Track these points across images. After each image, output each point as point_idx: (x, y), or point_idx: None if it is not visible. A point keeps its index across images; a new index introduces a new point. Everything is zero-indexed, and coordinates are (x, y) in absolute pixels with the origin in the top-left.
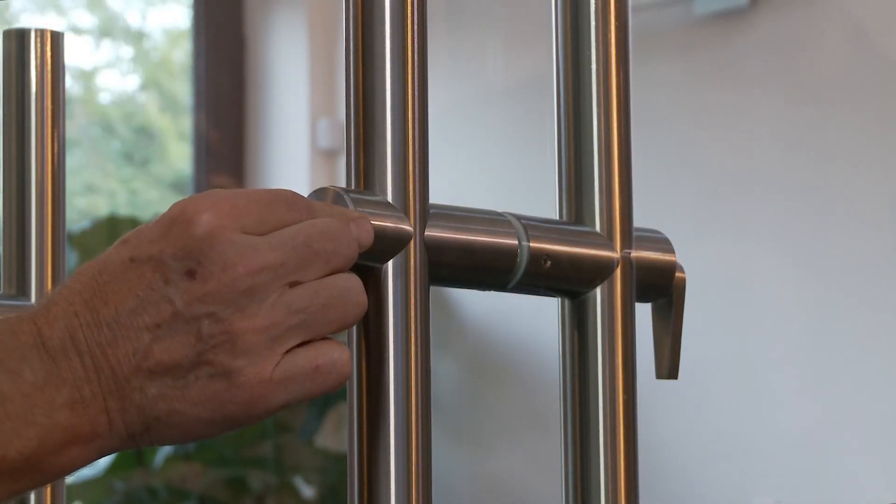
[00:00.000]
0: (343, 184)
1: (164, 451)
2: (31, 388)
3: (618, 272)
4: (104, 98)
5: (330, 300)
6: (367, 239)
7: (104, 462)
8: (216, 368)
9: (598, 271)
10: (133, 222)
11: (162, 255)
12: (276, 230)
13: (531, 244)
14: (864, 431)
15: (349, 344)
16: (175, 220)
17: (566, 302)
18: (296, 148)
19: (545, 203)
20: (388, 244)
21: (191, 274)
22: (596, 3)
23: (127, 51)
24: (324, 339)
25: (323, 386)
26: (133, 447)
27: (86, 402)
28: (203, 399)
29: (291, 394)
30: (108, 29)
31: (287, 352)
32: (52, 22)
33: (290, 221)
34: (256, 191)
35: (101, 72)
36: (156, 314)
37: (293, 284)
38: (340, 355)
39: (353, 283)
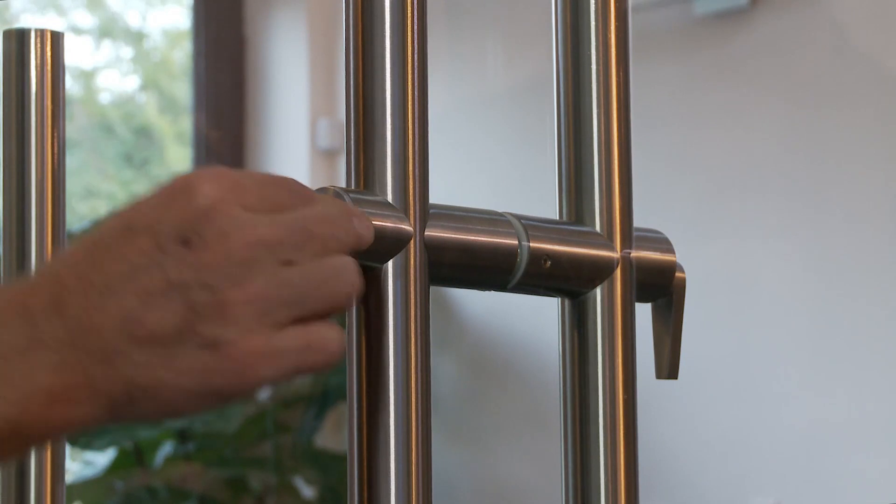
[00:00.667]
0: (343, 184)
1: (164, 450)
2: (11, 351)
3: (618, 272)
4: (104, 98)
5: (323, 279)
6: (369, 235)
7: (104, 462)
8: (205, 339)
9: (598, 271)
10: None
11: (160, 224)
12: (275, 211)
13: (531, 244)
14: (864, 431)
15: (349, 344)
16: (176, 192)
17: (566, 302)
18: (296, 148)
19: (545, 203)
20: (388, 244)
21: (186, 242)
22: (596, 3)
23: (127, 51)
24: (318, 318)
25: (313, 363)
26: (115, 420)
27: (68, 366)
28: (190, 369)
29: (280, 369)
30: (108, 29)
31: (279, 327)
32: (52, 22)
33: (290, 205)
34: (260, 173)
35: (101, 72)
36: (147, 281)
37: (288, 264)
38: (333, 335)
39: (348, 263)
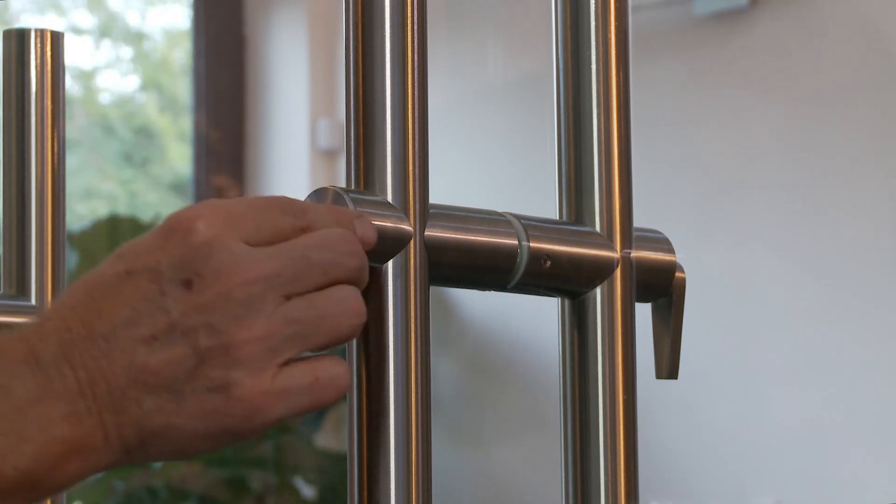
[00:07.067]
0: (343, 184)
1: None
2: (24, 402)
3: (618, 272)
4: (104, 98)
5: (325, 311)
6: (372, 237)
7: None
8: (213, 381)
9: (598, 271)
10: (133, 222)
11: (159, 266)
12: (273, 237)
13: (531, 244)
14: (864, 431)
15: (349, 344)
16: (173, 230)
17: (566, 302)
18: (296, 148)
19: (545, 203)
20: (388, 244)
21: (187, 284)
22: (596, 3)
23: (127, 51)
24: (323, 354)
25: (321, 400)
26: (128, 462)
27: (81, 416)
28: (200, 412)
29: (290, 407)
30: (108, 29)
31: (285, 365)
32: (52, 22)
33: (285, 226)
34: (250, 198)
35: (101, 72)
36: (151, 325)
37: (290, 296)
38: (339, 370)
39: (350, 293)
